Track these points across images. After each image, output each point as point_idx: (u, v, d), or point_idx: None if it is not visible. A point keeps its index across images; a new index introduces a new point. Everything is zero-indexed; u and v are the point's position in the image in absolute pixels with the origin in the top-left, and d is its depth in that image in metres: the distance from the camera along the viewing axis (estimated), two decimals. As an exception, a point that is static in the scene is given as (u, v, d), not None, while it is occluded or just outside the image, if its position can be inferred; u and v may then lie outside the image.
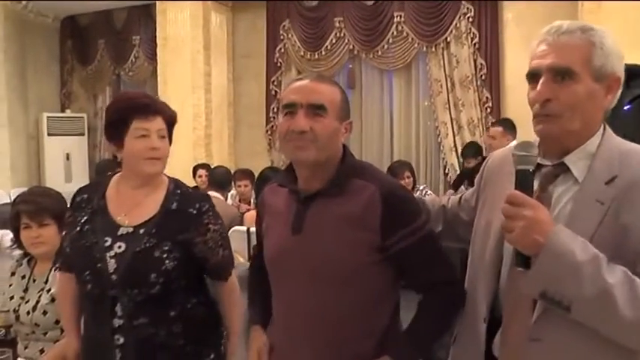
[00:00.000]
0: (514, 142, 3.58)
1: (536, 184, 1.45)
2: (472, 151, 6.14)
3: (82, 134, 9.50)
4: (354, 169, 1.72)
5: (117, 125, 2.04)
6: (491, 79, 6.96)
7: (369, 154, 7.60)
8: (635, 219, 1.33)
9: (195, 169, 6.52)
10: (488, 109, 6.97)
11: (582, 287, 1.28)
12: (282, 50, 8.01)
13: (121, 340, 1.99)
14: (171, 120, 2.09)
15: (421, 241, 1.66)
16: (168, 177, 2.16)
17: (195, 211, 2.06)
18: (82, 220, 2.10)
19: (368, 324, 1.71)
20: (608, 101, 1.46)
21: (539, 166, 1.48)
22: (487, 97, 6.97)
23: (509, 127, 5.26)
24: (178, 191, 2.11)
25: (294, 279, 1.73)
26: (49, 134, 9.18)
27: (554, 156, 1.48)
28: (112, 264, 1.98)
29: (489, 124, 6.80)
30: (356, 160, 1.79)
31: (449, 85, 7.15)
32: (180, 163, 6.80)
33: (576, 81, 1.41)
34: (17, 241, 2.70)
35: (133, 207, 2.06)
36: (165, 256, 1.99)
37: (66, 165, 9.29)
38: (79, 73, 9.70)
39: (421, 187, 5.69)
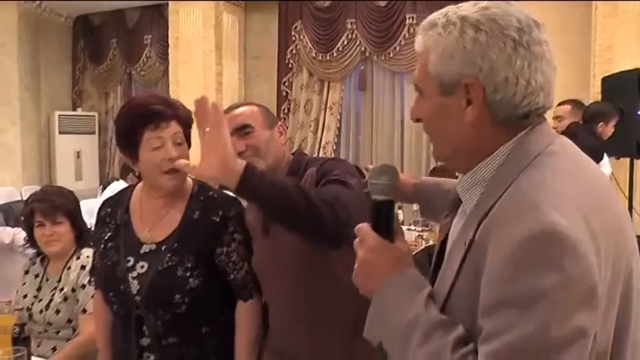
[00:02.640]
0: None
1: None
2: None
3: (93, 133, 9.53)
4: (303, 164, 1.88)
5: (128, 136, 1.89)
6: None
7: (379, 156, 7.59)
8: (485, 276, 0.97)
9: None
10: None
11: (395, 353, 1.08)
12: (294, 51, 8.01)
13: (152, 358, 1.94)
14: (187, 121, 1.91)
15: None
16: (193, 179, 2.02)
17: (218, 219, 1.93)
18: (106, 237, 2.02)
19: (343, 306, 1.76)
20: (470, 115, 1.07)
21: None
22: (499, 99, 6.93)
23: (578, 105, 4.89)
24: (202, 197, 1.98)
25: (272, 280, 1.89)
26: (60, 132, 9.22)
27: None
28: (134, 285, 1.90)
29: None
30: (305, 156, 1.97)
31: (460, 87, 7.10)
32: (194, 162, 6.84)
33: (425, 97, 1.13)
34: (31, 239, 2.73)
35: (157, 220, 1.95)
36: (188, 274, 1.88)
37: (76, 163, 9.32)
38: (91, 72, 9.73)
39: None
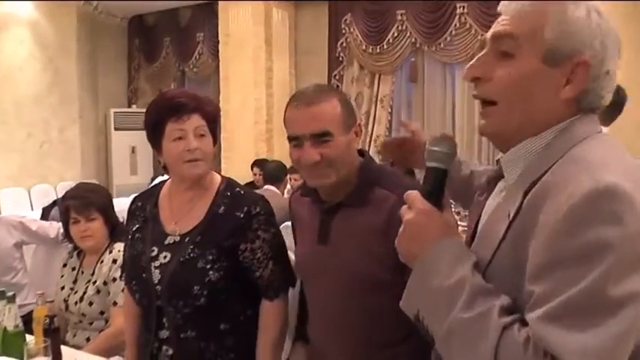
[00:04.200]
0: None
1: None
2: None
3: (148, 129, 9.73)
4: (374, 177, 1.70)
5: (154, 129, 1.92)
6: (559, 70, 6.69)
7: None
8: (535, 241, 0.95)
9: (251, 166, 6.54)
10: (555, 103, 6.70)
11: (437, 317, 1.02)
12: (344, 45, 7.96)
13: (170, 352, 1.94)
14: (211, 116, 1.93)
15: None
16: (222, 176, 2.04)
17: (242, 215, 1.90)
18: (134, 229, 2.05)
19: (396, 331, 1.67)
20: (568, 93, 1.04)
21: (498, 162, 1.17)
22: (554, 90, 6.70)
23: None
24: (228, 193, 1.96)
25: (322, 286, 1.75)
26: (115, 129, 9.48)
27: (504, 152, 1.15)
28: (156, 274, 1.91)
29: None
30: (375, 165, 1.76)
31: (513, 77, 6.90)
32: (242, 157, 6.88)
33: (516, 57, 1.05)
34: (67, 235, 2.79)
35: (184, 214, 1.96)
36: (209, 267, 1.86)
37: (131, 158, 9.57)
38: (146, 70, 9.97)
39: None
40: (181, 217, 1.96)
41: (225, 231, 1.89)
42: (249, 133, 7.45)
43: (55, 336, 2.17)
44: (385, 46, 7.67)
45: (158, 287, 1.90)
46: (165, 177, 5.83)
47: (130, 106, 9.93)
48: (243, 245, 1.90)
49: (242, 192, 1.99)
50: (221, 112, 7.57)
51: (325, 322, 1.76)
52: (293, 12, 8.21)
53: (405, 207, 1.11)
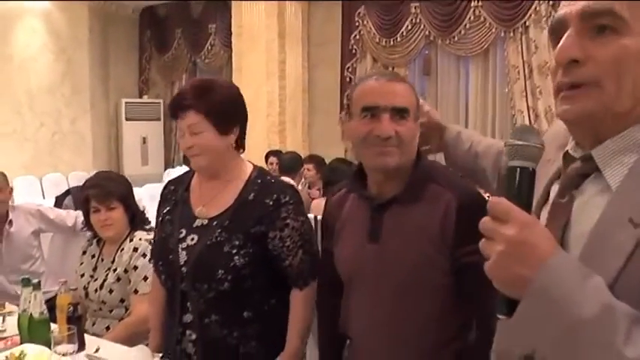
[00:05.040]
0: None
1: (555, 188, 1.02)
2: None
3: (159, 119, 9.81)
4: (429, 172, 1.66)
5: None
6: (572, 64, 6.64)
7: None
8: None
9: (267, 156, 6.55)
10: (568, 97, 6.67)
11: (583, 356, 0.80)
12: (358, 37, 7.94)
13: (193, 336, 1.96)
14: (210, 107, 1.89)
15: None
16: (255, 165, 2.05)
17: (271, 202, 1.91)
18: (165, 211, 2.08)
19: (442, 333, 1.65)
20: None
21: (568, 158, 1.01)
22: (567, 84, 6.66)
23: None
24: (259, 180, 1.97)
25: (371, 286, 1.69)
26: (126, 119, 9.52)
27: (588, 145, 0.96)
28: (182, 256, 1.93)
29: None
30: (427, 161, 1.72)
31: (527, 71, 6.87)
32: (255, 149, 6.87)
33: (621, 33, 0.90)
34: (87, 224, 2.80)
35: (213, 198, 1.98)
36: (234, 251, 1.88)
37: (142, 149, 9.61)
38: (157, 61, 10.00)
39: None
40: (210, 201, 1.98)
41: (254, 217, 1.90)
42: (262, 124, 7.44)
43: (78, 323, 2.19)
44: (399, 39, 7.65)
45: (183, 269, 1.92)
46: (184, 167, 5.94)
47: (141, 97, 9.96)
48: (272, 233, 1.90)
49: (272, 180, 2.01)
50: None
51: (373, 324, 1.70)
52: (306, 5, 8.18)
53: (489, 220, 0.89)
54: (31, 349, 1.92)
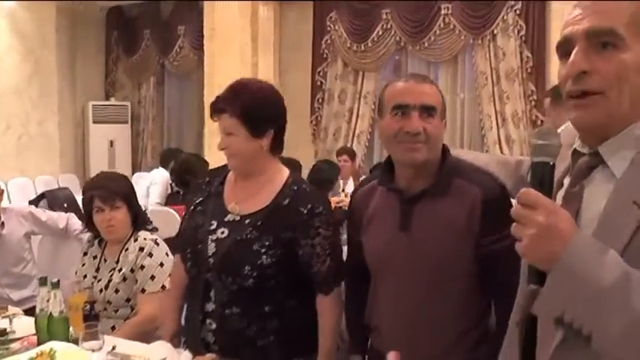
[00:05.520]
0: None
1: (567, 180, 1.21)
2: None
3: (126, 122, 9.67)
4: (455, 168, 1.80)
5: None
6: (537, 72, 6.88)
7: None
8: None
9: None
10: (533, 102, 6.90)
11: (606, 317, 0.99)
12: (329, 41, 8.03)
13: (213, 326, 2.03)
14: (240, 112, 1.98)
15: (511, 247, 1.69)
16: (291, 171, 2.13)
17: (306, 211, 1.98)
18: (197, 201, 2.15)
19: (464, 318, 1.79)
20: None
21: (577, 154, 1.20)
22: (532, 90, 6.89)
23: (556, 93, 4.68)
24: (295, 187, 2.04)
25: (401, 274, 1.82)
26: (94, 122, 9.37)
27: (595, 144, 1.16)
28: (211, 247, 2.01)
29: (534, 117, 6.84)
30: (453, 157, 1.85)
31: (494, 77, 7.09)
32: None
33: (622, 48, 1.09)
34: (90, 224, 2.80)
35: (247, 197, 2.05)
36: (263, 250, 1.96)
37: (110, 152, 9.47)
38: (124, 62, 9.85)
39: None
40: (244, 199, 2.05)
41: (286, 223, 1.98)
42: (234, 127, 7.47)
43: (96, 321, 2.21)
44: (370, 44, 7.77)
45: (211, 260, 2.00)
46: (161, 169, 5.97)
47: (108, 99, 9.80)
48: (304, 241, 1.98)
49: (307, 189, 2.08)
50: (206, 108, 7.58)
51: (400, 310, 1.82)
52: (278, 7, 8.22)
53: (520, 208, 1.05)
54: (60, 346, 1.94)
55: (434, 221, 1.74)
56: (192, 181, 4.87)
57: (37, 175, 8.23)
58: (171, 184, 5.79)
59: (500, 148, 7.04)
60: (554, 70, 6.74)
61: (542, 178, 1.09)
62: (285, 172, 2.10)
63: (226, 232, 2.02)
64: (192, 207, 2.16)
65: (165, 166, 6.16)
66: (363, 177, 6.68)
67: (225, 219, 2.05)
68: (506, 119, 7.04)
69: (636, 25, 1.09)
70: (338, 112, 7.95)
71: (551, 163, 1.10)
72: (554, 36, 6.83)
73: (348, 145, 7.74)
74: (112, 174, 3.03)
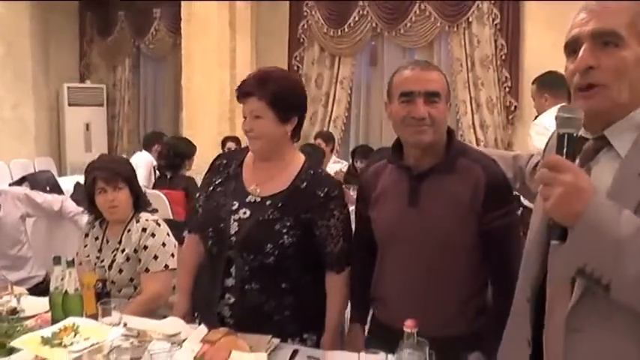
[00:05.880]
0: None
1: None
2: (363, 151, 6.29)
3: (101, 105, 9.62)
4: (461, 149, 1.97)
5: None
6: (511, 59, 7.08)
7: (389, 131, 7.64)
8: None
9: (224, 142, 6.67)
10: (507, 89, 7.10)
11: (624, 264, 1.13)
12: (305, 26, 8.11)
13: (232, 300, 2.14)
14: (270, 97, 2.07)
15: (510, 224, 1.91)
16: (306, 156, 2.24)
17: (322, 194, 2.11)
18: (217, 182, 2.24)
19: (464, 290, 1.95)
20: None
21: (581, 140, 1.34)
22: (506, 77, 7.09)
23: (542, 81, 4.73)
24: (311, 171, 2.16)
25: (408, 245, 1.96)
26: (69, 104, 9.30)
27: (598, 129, 1.34)
28: (234, 227, 2.12)
29: (507, 102, 7.04)
30: (458, 140, 2.03)
31: (469, 64, 7.26)
32: (205, 136, 6.96)
33: (622, 47, 1.28)
34: (91, 206, 2.87)
35: (266, 179, 2.16)
36: (284, 230, 2.08)
37: (86, 135, 9.42)
38: (99, 44, 9.77)
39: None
40: (264, 181, 2.16)
41: (305, 205, 2.10)
42: (212, 112, 7.51)
43: (108, 299, 2.30)
44: (346, 30, 7.86)
45: (233, 238, 2.11)
46: (144, 152, 6.03)
47: (82, 82, 9.72)
48: (321, 222, 2.12)
49: (323, 173, 2.22)
50: (184, 91, 7.59)
51: (406, 280, 1.98)
52: (255, -7, 8.27)
53: (547, 171, 1.19)
54: (81, 322, 2.02)
55: (440, 197, 1.90)
56: (185, 162, 4.96)
57: (12, 158, 8.16)
58: (154, 168, 5.84)
59: (475, 133, 7.22)
60: (528, 57, 6.96)
61: (568, 145, 1.24)
62: (301, 157, 2.22)
63: (248, 212, 2.13)
64: (210, 187, 2.26)
65: (148, 150, 6.20)
66: (335, 160, 6.85)
67: (247, 200, 2.15)
68: (480, 105, 7.22)
69: (635, 26, 1.27)
70: (315, 96, 8.02)
71: (575, 135, 1.25)
72: (528, 24, 7.03)
73: (325, 129, 7.86)
74: (114, 156, 3.12)
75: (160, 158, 5.36)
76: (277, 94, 2.08)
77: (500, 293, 1.92)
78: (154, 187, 5.16)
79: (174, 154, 5.05)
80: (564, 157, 1.23)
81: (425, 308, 1.87)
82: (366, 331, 2.21)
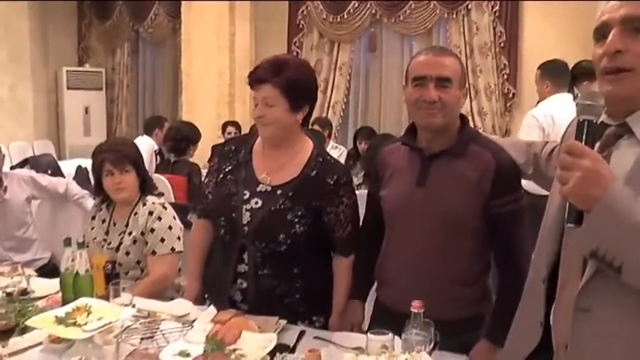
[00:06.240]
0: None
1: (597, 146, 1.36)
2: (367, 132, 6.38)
3: (100, 89, 9.62)
4: (472, 135, 2.02)
5: None
6: (510, 46, 7.12)
7: (388, 118, 7.79)
8: None
9: (224, 126, 6.71)
10: (505, 76, 7.16)
11: (636, 248, 1.18)
12: (305, 12, 8.12)
13: (244, 285, 2.19)
14: (287, 84, 2.09)
15: (517, 211, 1.96)
16: (314, 144, 2.25)
17: (332, 182, 2.14)
18: (227, 169, 2.27)
19: (468, 273, 2.01)
20: None
21: (603, 125, 1.37)
22: (505, 64, 7.14)
23: (546, 68, 4.76)
24: (320, 159, 2.19)
25: (414, 224, 2.01)
26: (68, 88, 9.29)
27: (621, 116, 1.35)
28: (246, 216, 2.15)
29: (506, 90, 7.09)
30: (471, 127, 2.08)
31: (468, 51, 7.30)
32: (204, 120, 6.99)
33: None
34: (99, 188, 2.91)
35: (277, 168, 2.18)
36: (296, 220, 2.12)
37: (85, 119, 9.43)
38: (97, 28, 9.75)
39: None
40: (274, 170, 2.19)
41: (315, 193, 2.14)
42: (211, 96, 7.54)
43: (118, 279, 2.34)
44: (345, 16, 7.87)
45: (246, 228, 2.15)
46: (145, 137, 6.05)
47: (81, 65, 9.71)
48: (330, 208, 2.16)
49: (332, 160, 2.24)
50: (183, 75, 7.60)
51: (410, 259, 2.03)
52: (255, -22, 8.26)
53: (567, 156, 1.24)
54: (93, 302, 2.06)
55: (448, 178, 1.96)
56: (190, 147, 4.98)
57: (11, 141, 8.15)
58: (156, 153, 5.87)
59: (473, 119, 7.25)
60: (526, 44, 7.00)
61: (588, 132, 1.27)
62: (310, 144, 2.24)
63: (260, 202, 2.16)
64: (220, 175, 2.28)
65: (149, 134, 6.23)
66: (333, 145, 6.89)
67: (258, 189, 2.18)
68: (479, 92, 7.27)
69: None
70: (313, 82, 8.02)
71: (595, 121, 1.29)
72: (527, 12, 7.07)
73: (324, 114, 7.89)
74: (122, 139, 3.13)
75: (165, 142, 5.36)
76: (292, 82, 2.09)
77: (505, 278, 1.98)
78: (156, 171, 5.18)
79: (181, 138, 5.06)
80: (584, 143, 1.26)
81: (428, 289, 1.91)
82: (370, 316, 2.27)
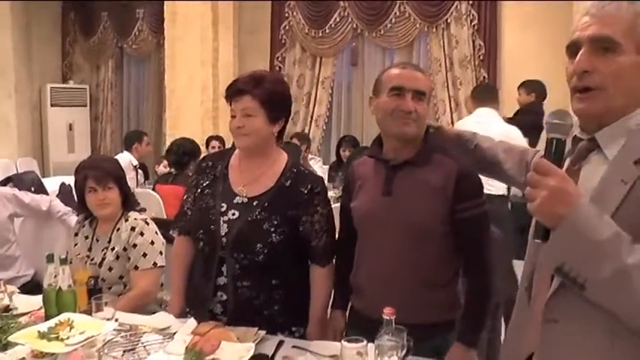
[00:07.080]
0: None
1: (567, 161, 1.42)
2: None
3: (85, 105, 9.60)
4: (435, 144, 2.10)
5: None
6: (489, 59, 7.26)
7: (369, 130, 7.84)
8: None
9: (208, 141, 6.76)
10: (485, 88, 7.25)
11: (599, 266, 1.20)
12: (287, 27, 8.21)
13: (224, 297, 2.24)
14: (265, 96, 2.17)
15: (479, 216, 2.04)
16: (289, 156, 2.33)
17: (306, 191, 2.21)
18: (204, 184, 2.33)
19: (438, 278, 2.08)
20: None
21: (576, 139, 1.43)
22: (484, 77, 7.26)
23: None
24: (294, 169, 2.27)
25: (382, 232, 2.08)
26: (52, 105, 9.26)
27: (592, 131, 1.39)
28: (224, 228, 2.21)
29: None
30: (435, 137, 2.15)
31: (448, 64, 7.43)
32: (190, 135, 7.00)
33: (618, 53, 1.33)
34: (82, 205, 2.94)
35: (253, 180, 2.25)
36: (273, 229, 2.18)
37: (69, 135, 9.40)
38: (82, 44, 9.75)
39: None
40: (250, 182, 2.26)
41: (290, 202, 2.21)
42: (195, 111, 7.58)
43: (101, 294, 2.37)
44: (327, 31, 7.98)
45: (224, 239, 2.20)
46: (126, 153, 6.10)
47: (65, 82, 9.70)
48: (305, 218, 2.22)
49: (306, 171, 2.32)
50: (167, 91, 7.63)
51: (380, 267, 2.10)
52: (237, -10, 8.33)
53: (534, 175, 1.26)
54: (75, 317, 2.09)
55: (413, 186, 2.04)
56: (191, 162, 5.15)
57: (-6, 159, 8.16)
58: (136, 167, 5.93)
59: (454, 131, 7.31)
60: (505, 57, 7.13)
61: (555, 151, 1.32)
62: (285, 156, 2.32)
63: (237, 213, 2.22)
64: (198, 189, 2.34)
65: (129, 149, 6.29)
66: (311, 157, 6.96)
67: (235, 201, 2.25)
68: (459, 104, 7.38)
69: (632, 33, 1.33)
70: (296, 96, 8.10)
71: (563, 140, 1.33)
72: (505, 25, 7.20)
73: (306, 128, 7.97)
74: (104, 156, 3.18)
75: (167, 155, 5.54)
76: (271, 95, 2.19)
77: (471, 281, 2.06)
78: (156, 183, 5.37)
79: (183, 153, 5.22)
80: (551, 161, 1.29)
81: (399, 295, 1.97)
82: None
